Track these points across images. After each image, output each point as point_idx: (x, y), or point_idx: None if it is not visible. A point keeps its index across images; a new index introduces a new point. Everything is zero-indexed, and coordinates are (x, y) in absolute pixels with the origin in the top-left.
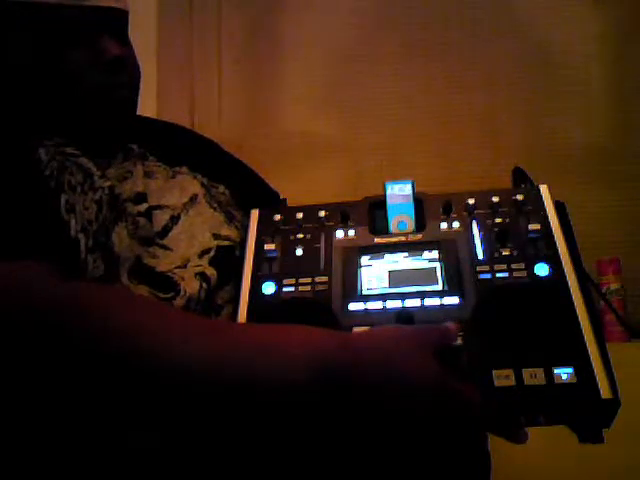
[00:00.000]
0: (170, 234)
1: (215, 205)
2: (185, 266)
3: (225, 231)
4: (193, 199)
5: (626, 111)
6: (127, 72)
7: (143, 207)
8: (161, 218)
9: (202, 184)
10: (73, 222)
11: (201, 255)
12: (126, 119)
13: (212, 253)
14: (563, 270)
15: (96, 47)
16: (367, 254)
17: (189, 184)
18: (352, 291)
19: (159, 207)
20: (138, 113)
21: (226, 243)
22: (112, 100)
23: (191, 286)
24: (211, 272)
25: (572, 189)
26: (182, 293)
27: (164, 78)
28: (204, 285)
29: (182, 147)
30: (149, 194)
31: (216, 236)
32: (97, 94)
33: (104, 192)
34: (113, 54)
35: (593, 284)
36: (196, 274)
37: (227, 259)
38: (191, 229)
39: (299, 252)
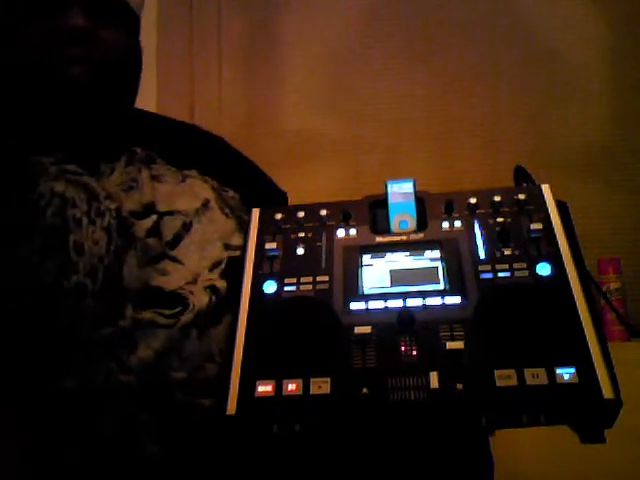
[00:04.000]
0: (181, 244)
1: (227, 211)
2: (195, 281)
3: (236, 240)
4: (205, 204)
5: (626, 111)
6: (86, 47)
7: (150, 222)
8: (172, 225)
9: (213, 188)
10: (81, 265)
11: (212, 268)
12: (83, 102)
13: (223, 265)
14: (565, 270)
15: (58, 19)
16: (368, 253)
17: (200, 189)
18: (353, 290)
19: (170, 213)
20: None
21: (237, 254)
22: (59, 77)
23: (200, 300)
24: (221, 284)
25: (572, 189)
26: (190, 307)
27: (164, 78)
28: (213, 298)
29: (191, 148)
30: (158, 201)
31: (227, 246)
32: (45, 69)
33: (112, 216)
34: (70, 24)
35: (595, 284)
36: (206, 287)
37: (237, 270)
38: (202, 239)
39: (300, 251)
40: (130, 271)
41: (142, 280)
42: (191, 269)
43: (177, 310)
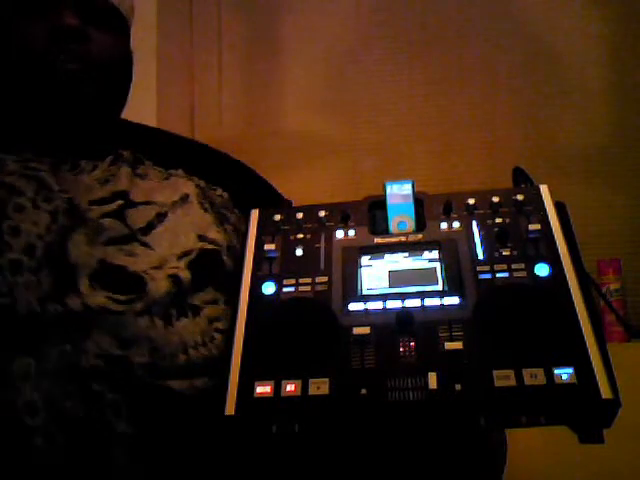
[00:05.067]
0: (153, 231)
1: (207, 206)
2: (161, 267)
3: (212, 234)
4: (184, 199)
5: (625, 111)
6: (80, 46)
7: (113, 206)
8: (146, 213)
9: (197, 185)
10: (15, 245)
11: (181, 257)
12: (77, 96)
13: (193, 255)
14: (563, 270)
15: (51, 18)
16: (367, 254)
17: (182, 185)
18: (352, 291)
19: (147, 203)
20: (138, 117)
21: (210, 247)
22: (57, 71)
23: (159, 287)
24: (185, 275)
25: (572, 189)
26: (146, 294)
27: (164, 78)
28: (174, 288)
29: (179, 150)
30: (134, 192)
31: (201, 237)
32: (40, 64)
33: (62, 200)
34: (64, 23)
35: (594, 284)
36: (168, 275)
37: (209, 263)
38: (176, 229)
39: (299, 252)
40: (78, 248)
41: (96, 257)
42: (160, 255)
43: (132, 297)
